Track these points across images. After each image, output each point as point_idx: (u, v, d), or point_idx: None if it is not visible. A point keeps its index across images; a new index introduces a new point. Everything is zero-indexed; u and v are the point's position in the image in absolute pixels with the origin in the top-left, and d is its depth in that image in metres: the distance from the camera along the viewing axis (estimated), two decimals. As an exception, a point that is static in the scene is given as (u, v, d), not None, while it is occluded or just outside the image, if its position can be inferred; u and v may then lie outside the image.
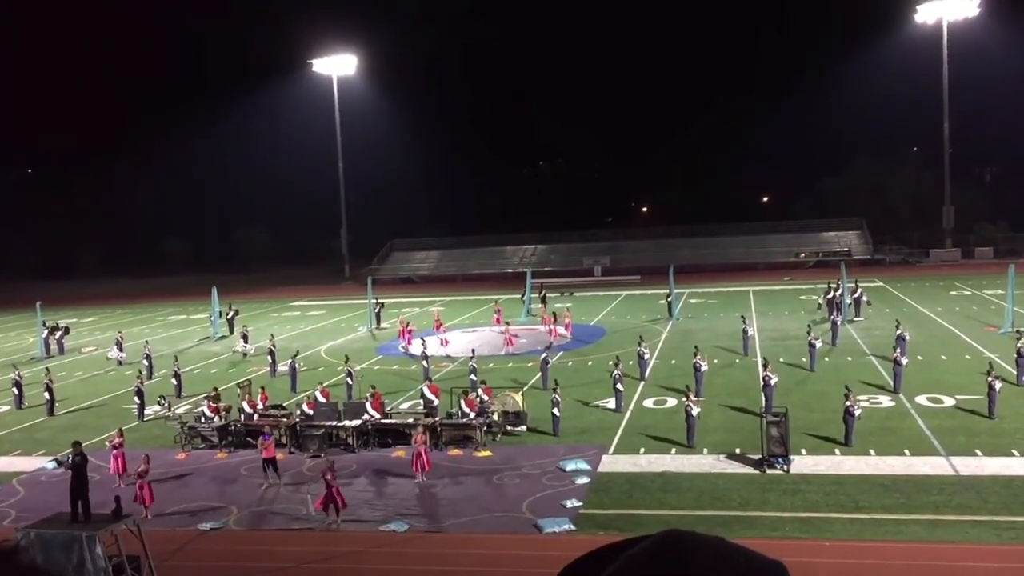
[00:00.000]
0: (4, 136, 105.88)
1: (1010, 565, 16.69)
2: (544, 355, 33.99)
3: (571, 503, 20.38)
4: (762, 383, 27.99)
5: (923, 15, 79.15)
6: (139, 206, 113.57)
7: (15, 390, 34.60)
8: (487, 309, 56.26)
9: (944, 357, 35.14)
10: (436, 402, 27.65)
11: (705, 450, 23.93)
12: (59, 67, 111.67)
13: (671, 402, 29.48)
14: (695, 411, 24.44)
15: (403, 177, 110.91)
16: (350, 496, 20.98)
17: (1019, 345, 30.01)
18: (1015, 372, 29.71)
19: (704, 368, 30.55)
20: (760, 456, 22.36)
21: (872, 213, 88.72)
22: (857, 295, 46.89)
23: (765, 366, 28.75)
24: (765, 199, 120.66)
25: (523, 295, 56.43)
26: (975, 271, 69.04)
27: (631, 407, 29.25)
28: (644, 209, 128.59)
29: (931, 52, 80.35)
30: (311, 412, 26.95)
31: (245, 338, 45.02)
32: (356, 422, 26.21)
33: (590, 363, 37.78)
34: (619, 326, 48.35)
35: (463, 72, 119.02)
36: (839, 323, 40.41)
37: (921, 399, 28.31)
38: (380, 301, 54.13)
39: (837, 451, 23.23)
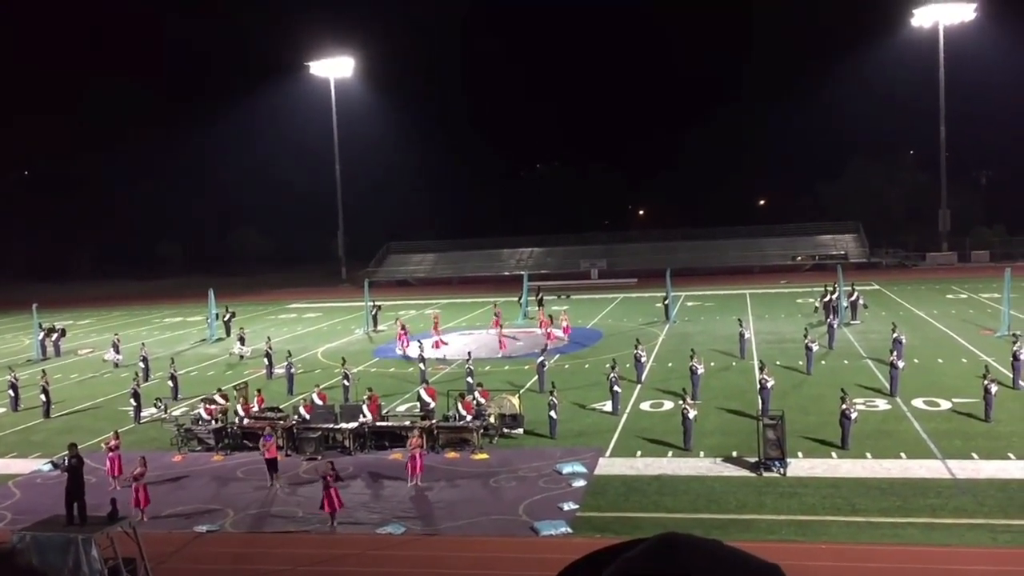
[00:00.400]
0: (0, 137, 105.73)
1: (1006, 568, 16.72)
2: (541, 358, 34.00)
3: (568, 506, 20.38)
4: (759, 386, 28.00)
5: (920, 19, 79.33)
6: (136, 208, 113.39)
7: (11, 392, 34.55)
8: (484, 312, 56.25)
9: (940, 360, 35.18)
10: (433, 405, 27.65)
11: (702, 453, 23.94)
12: (55, 68, 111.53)
13: (668, 405, 29.48)
14: (691, 414, 24.46)
15: (400, 179, 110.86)
16: (347, 498, 20.97)
17: (1015, 348, 30.06)
18: (1011, 375, 29.74)
19: (701, 371, 30.55)
20: (756, 459, 22.37)
21: (868, 216, 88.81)
22: (853, 298, 46.92)
23: (762, 369, 28.78)
24: (762, 202, 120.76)
25: (520, 298, 56.44)
26: (971, 275, 69.13)
27: (628, 410, 29.24)
28: (641, 212, 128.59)
29: (928, 56, 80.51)
30: (308, 415, 26.94)
31: (242, 340, 44.96)
32: (353, 425, 26.20)
33: (587, 366, 37.78)
34: (616, 329, 48.37)
35: (460, 74, 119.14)
36: (836, 326, 40.43)
37: (917, 402, 28.35)
38: (377, 303, 54.11)
39: (834, 454, 23.25)
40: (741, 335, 38.37)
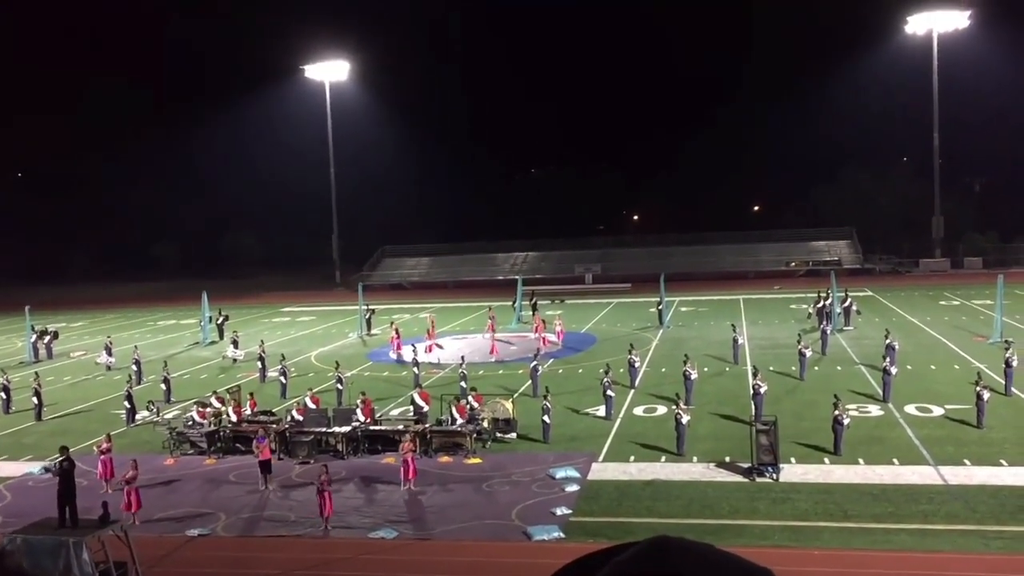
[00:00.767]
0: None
1: (998, 574, 16.74)
2: (534, 362, 33.99)
3: (560, 511, 20.36)
4: (752, 391, 28.03)
5: (913, 26, 79.68)
6: (130, 210, 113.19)
7: (2, 394, 34.44)
8: (478, 316, 56.24)
9: (933, 367, 35.26)
10: (426, 409, 27.63)
11: (695, 458, 23.94)
12: (51, 69, 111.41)
13: (661, 410, 29.49)
14: (685, 419, 24.47)
15: (395, 183, 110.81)
16: (339, 503, 20.93)
17: (1007, 355, 30.13)
18: (1003, 382, 29.82)
19: (694, 376, 30.59)
20: (749, 464, 22.37)
21: (862, 223, 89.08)
22: (847, 304, 46.99)
23: (755, 375, 28.79)
24: (756, 208, 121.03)
25: (514, 302, 56.45)
26: (964, 281, 69.34)
27: (621, 415, 29.26)
28: (636, 217, 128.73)
29: (921, 63, 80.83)
30: (301, 418, 26.89)
31: (235, 344, 44.85)
32: (346, 428, 26.15)
33: (580, 371, 37.79)
34: (610, 334, 48.39)
35: (456, 78, 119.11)
36: (829, 332, 40.51)
37: (910, 408, 28.40)
38: (371, 307, 54.06)
39: (826, 460, 23.27)
40: (735, 340, 38.42)
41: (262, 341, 41.39)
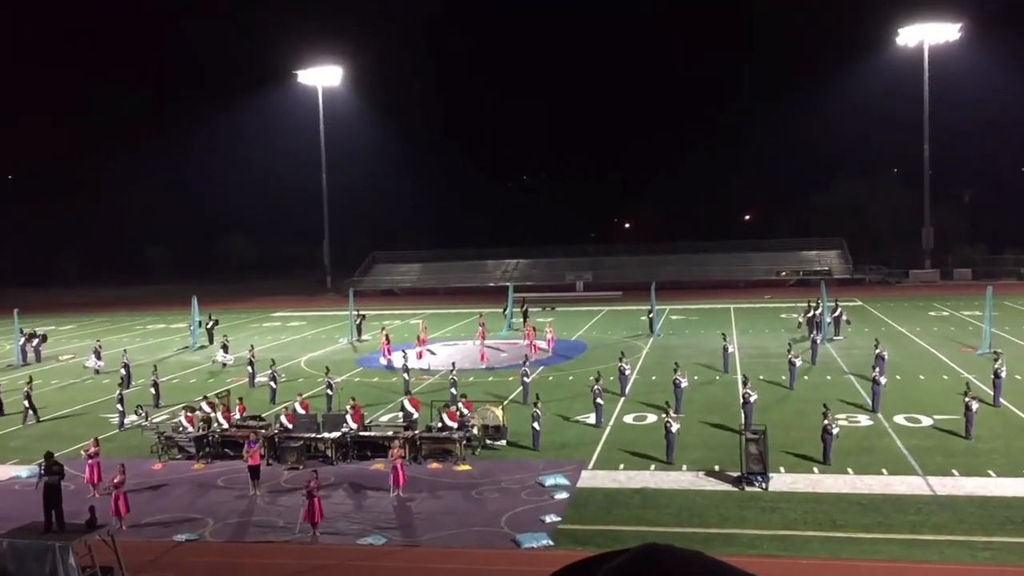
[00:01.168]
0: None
1: (985, 585, 16.78)
2: (524, 369, 33.98)
3: (550, 518, 20.34)
4: (742, 400, 28.06)
5: (905, 38, 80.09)
6: (121, 214, 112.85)
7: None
8: (468, 323, 56.21)
9: (922, 377, 35.37)
10: (416, 415, 27.59)
11: (684, 467, 23.96)
12: (44, 73, 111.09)
13: (651, 418, 29.50)
14: (675, 427, 24.49)
15: (386, 189, 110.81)
16: (328, 509, 20.87)
17: (996, 366, 30.26)
18: (992, 393, 29.93)
19: (684, 384, 30.58)
20: (739, 473, 22.40)
21: (852, 233, 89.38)
22: (837, 314, 47.11)
23: (745, 383, 28.85)
24: (747, 217, 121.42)
25: (505, 309, 56.43)
26: (953, 292, 69.63)
27: (611, 423, 29.26)
28: (627, 225, 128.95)
29: (912, 74, 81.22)
30: (289, 424, 26.81)
31: (225, 348, 44.73)
32: (335, 434, 26.08)
33: (571, 378, 37.78)
34: (600, 341, 48.41)
35: (448, 86, 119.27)
36: (819, 342, 40.60)
37: (899, 419, 28.47)
38: (361, 313, 53.97)
39: (815, 469, 23.30)
40: (725, 349, 38.48)
41: (252, 346, 41.25)
